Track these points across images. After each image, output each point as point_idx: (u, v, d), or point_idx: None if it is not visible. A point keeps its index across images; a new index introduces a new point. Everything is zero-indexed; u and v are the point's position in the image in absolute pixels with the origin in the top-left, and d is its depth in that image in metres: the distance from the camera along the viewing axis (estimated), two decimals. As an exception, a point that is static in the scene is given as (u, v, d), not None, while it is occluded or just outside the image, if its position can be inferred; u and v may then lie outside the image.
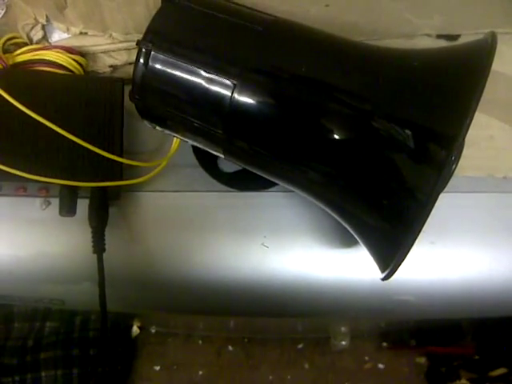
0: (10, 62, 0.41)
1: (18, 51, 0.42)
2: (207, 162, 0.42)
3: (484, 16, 0.44)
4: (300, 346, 1.02)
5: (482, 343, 0.95)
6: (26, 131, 0.37)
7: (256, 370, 1.00)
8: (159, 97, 0.34)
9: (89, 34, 0.43)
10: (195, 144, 0.38)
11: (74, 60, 0.42)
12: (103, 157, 0.37)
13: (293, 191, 0.38)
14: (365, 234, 0.33)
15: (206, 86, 0.31)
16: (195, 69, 0.32)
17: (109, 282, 0.37)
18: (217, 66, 0.31)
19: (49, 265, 0.41)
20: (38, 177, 0.36)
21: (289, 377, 1.00)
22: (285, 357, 1.01)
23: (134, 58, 0.33)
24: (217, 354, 1.01)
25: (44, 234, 0.40)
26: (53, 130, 0.35)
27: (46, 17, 0.43)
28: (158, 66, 0.32)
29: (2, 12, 0.45)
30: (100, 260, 0.37)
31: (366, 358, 1.01)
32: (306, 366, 1.01)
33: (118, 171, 0.39)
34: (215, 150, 0.36)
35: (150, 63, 0.32)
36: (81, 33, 0.43)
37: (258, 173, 0.36)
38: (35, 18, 0.43)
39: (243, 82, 0.31)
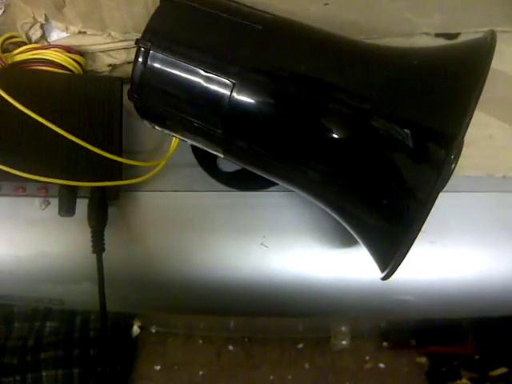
0: (9, 62, 0.41)
1: (17, 50, 0.42)
2: (206, 162, 0.42)
3: (483, 14, 0.44)
4: (300, 345, 1.02)
5: (483, 343, 0.95)
6: (24, 131, 0.37)
7: (256, 369, 1.00)
8: (158, 96, 0.34)
9: (88, 33, 0.43)
10: (194, 144, 0.37)
11: (73, 59, 0.42)
12: (102, 156, 0.37)
13: (292, 191, 0.38)
14: (364, 234, 0.33)
15: (205, 85, 0.31)
16: (194, 68, 0.31)
17: (108, 281, 0.37)
18: (216, 65, 0.31)
19: (48, 265, 0.41)
20: (37, 177, 0.36)
21: (289, 376, 1.00)
22: (285, 356, 1.01)
23: (132, 57, 0.33)
24: (217, 354, 1.01)
25: (43, 234, 0.40)
26: (52, 130, 0.35)
27: (45, 16, 0.43)
28: (156, 65, 0.32)
29: (1, 11, 0.45)
30: (99, 260, 0.37)
31: (367, 357, 1.01)
32: (307, 365, 1.01)
33: (118, 171, 0.39)
34: (214, 150, 0.36)
35: (149, 62, 0.32)
36: (80, 32, 0.43)
37: (258, 172, 0.36)
38: (34, 17, 0.42)
39: (242, 81, 0.30)
